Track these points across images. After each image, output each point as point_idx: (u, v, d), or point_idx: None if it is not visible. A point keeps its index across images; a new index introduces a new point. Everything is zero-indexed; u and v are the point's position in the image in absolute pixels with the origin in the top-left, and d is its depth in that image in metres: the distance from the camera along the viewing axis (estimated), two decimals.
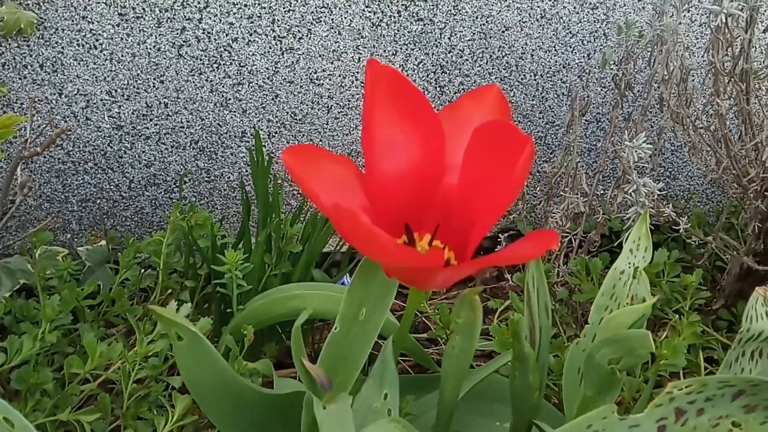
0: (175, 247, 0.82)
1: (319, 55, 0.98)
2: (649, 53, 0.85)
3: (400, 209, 0.50)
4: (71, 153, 0.95)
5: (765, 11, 0.89)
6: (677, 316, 0.79)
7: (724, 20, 0.62)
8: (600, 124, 1.11)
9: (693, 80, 0.75)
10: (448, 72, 1.03)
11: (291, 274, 0.80)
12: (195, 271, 0.81)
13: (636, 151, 0.68)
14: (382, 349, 0.52)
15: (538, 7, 1.02)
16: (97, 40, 0.91)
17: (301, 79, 0.99)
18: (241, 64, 0.96)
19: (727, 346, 0.84)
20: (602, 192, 1.14)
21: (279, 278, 0.79)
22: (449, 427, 0.56)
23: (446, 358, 0.52)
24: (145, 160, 0.97)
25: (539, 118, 1.09)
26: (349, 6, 0.96)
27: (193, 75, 0.95)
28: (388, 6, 0.97)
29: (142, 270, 0.86)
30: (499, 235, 1.08)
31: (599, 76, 0.83)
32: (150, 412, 0.64)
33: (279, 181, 0.97)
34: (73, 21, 0.90)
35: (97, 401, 0.67)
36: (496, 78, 1.05)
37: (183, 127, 0.97)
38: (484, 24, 1.02)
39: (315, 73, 0.99)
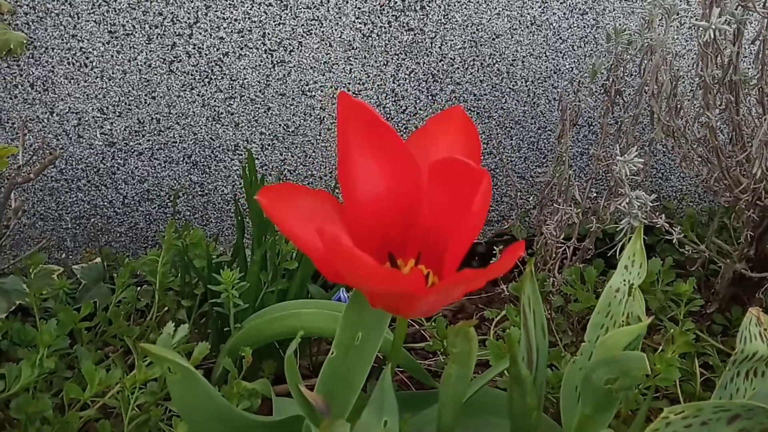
0: (170, 265, 0.82)
1: (311, 67, 0.98)
2: (639, 60, 0.85)
3: (381, 238, 0.51)
4: (64, 171, 0.95)
5: (752, 22, 0.89)
6: (671, 323, 0.80)
7: (712, 35, 0.62)
8: (592, 128, 1.12)
9: (683, 84, 0.75)
10: (439, 81, 1.03)
11: (287, 290, 0.80)
12: (191, 290, 0.81)
13: (628, 165, 0.68)
14: (380, 377, 0.52)
15: (528, 13, 1.03)
16: (87, 58, 0.91)
17: (293, 92, 0.99)
18: (233, 78, 0.96)
19: (722, 352, 0.84)
20: (595, 195, 1.14)
21: (276, 294, 0.80)
22: None
23: (443, 385, 0.52)
24: (138, 176, 0.97)
25: (531, 124, 1.10)
26: (340, 18, 0.96)
27: (185, 90, 0.95)
28: (378, 17, 0.97)
29: (138, 288, 0.86)
30: (494, 247, 1.08)
31: (589, 85, 0.83)
32: None
33: None
34: (62, 40, 0.89)
35: (97, 427, 0.67)
36: (487, 85, 1.05)
37: (175, 142, 0.97)
38: (474, 32, 1.02)
39: (307, 85, 0.99)
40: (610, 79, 0.89)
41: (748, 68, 0.72)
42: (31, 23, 0.88)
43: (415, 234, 0.52)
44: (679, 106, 0.71)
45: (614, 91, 0.88)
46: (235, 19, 0.93)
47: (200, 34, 0.93)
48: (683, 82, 1.05)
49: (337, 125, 0.50)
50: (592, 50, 1.07)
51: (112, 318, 0.79)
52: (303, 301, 0.76)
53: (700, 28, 0.63)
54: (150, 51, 0.92)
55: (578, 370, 0.60)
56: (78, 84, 0.92)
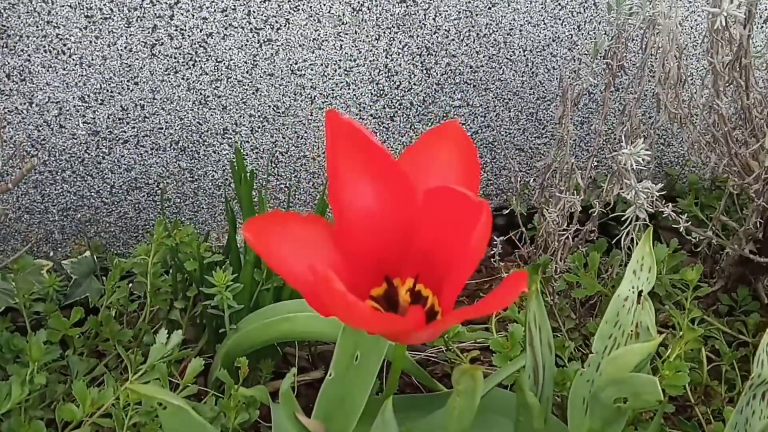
0: (161, 264, 0.79)
1: (299, 45, 0.94)
2: (641, 34, 0.81)
3: (376, 258, 0.49)
4: (47, 162, 0.91)
5: (762, 2, 0.85)
6: (677, 310, 0.78)
7: (723, 22, 0.58)
8: (592, 96, 1.08)
9: (689, 63, 0.72)
10: (434, 54, 0.99)
11: (282, 287, 0.78)
12: (184, 290, 0.79)
13: (634, 157, 0.65)
14: (381, 409, 0.50)
15: None
16: (65, 45, 0.86)
17: (282, 71, 0.95)
18: (218, 60, 0.92)
19: (728, 336, 0.83)
20: (596, 165, 1.11)
21: (271, 293, 0.77)
22: None
23: (447, 416, 0.50)
24: (124, 164, 0.94)
25: (530, 94, 1.06)
26: None
27: (169, 74, 0.91)
28: None
29: (129, 284, 0.83)
30: (493, 237, 1.05)
31: (591, 63, 0.79)
32: None
33: (263, 191, 0.94)
34: (37, 27, 0.85)
35: None
36: (484, 56, 1.01)
37: (162, 129, 0.93)
38: (469, 1, 0.97)
39: (296, 63, 0.95)
40: (611, 51, 0.85)
41: (758, 51, 0.68)
42: (3, 10, 0.83)
43: (412, 254, 0.50)
44: (686, 93, 0.68)
45: (616, 65, 0.84)
46: None
47: (182, 15, 0.88)
48: (690, 62, 1.00)
49: (325, 144, 0.48)
50: (591, 16, 1.03)
51: (103, 322, 0.76)
52: (299, 301, 0.74)
53: (710, 15, 0.59)
54: (130, 35, 0.88)
55: (586, 381, 0.58)
56: (56, 72, 0.87)
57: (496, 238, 0.86)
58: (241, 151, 0.96)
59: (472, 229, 0.41)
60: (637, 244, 0.77)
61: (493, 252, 0.82)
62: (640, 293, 0.58)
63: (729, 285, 0.87)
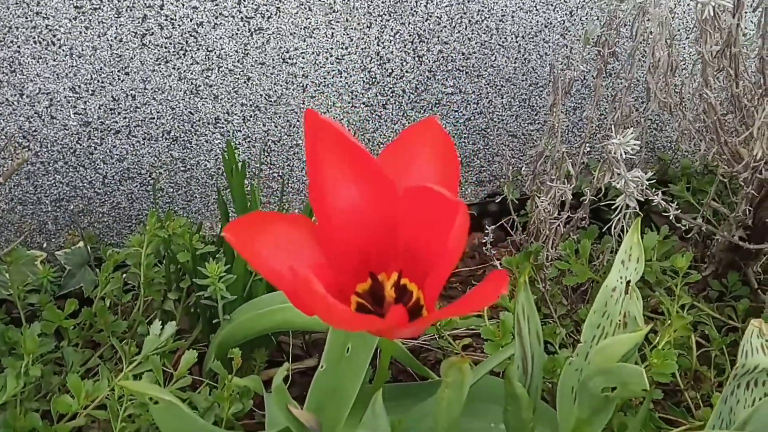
0: (154, 256, 0.80)
1: (290, 33, 0.94)
2: (631, 20, 0.81)
3: (359, 255, 0.50)
4: (39, 154, 0.91)
5: None
6: (667, 297, 0.79)
7: (712, 12, 0.58)
8: (584, 81, 1.08)
9: (680, 51, 0.72)
10: (426, 41, 0.99)
11: None
12: (178, 281, 0.79)
13: (623, 147, 0.65)
14: (371, 401, 0.51)
15: None
16: (54, 36, 0.86)
17: (273, 60, 0.94)
18: (209, 49, 0.92)
19: (718, 321, 0.84)
20: (588, 151, 1.12)
21: (264, 283, 0.78)
22: None
23: (437, 407, 0.51)
24: (116, 154, 0.94)
25: (522, 81, 1.06)
26: None
27: (159, 64, 0.91)
28: None
29: (123, 274, 0.84)
30: (486, 209, 1.06)
31: (582, 52, 0.79)
32: None
33: (255, 180, 0.94)
34: (26, 18, 0.84)
35: None
36: (476, 43, 1.01)
37: (153, 118, 0.93)
38: None
39: (287, 52, 0.94)
40: (603, 38, 0.85)
41: (748, 38, 0.68)
42: None
43: (395, 249, 0.51)
44: (677, 81, 0.68)
45: (607, 52, 0.84)
46: None
47: (172, 4, 0.88)
48: (681, 49, 1.00)
49: (305, 144, 0.48)
50: (584, 1, 1.02)
51: (97, 313, 0.77)
52: None
53: (699, 5, 0.59)
54: (120, 25, 0.87)
55: (575, 371, 0.59)
56: (47, 63, 0.87)
57: (488, 226, 0.86)
58: (234, 140, 0.96)
59: (450, 228, 0.42)
60: (627, 232, 0.77)
61: (485, 240, 0.82)
62: (628, 283, 0.59)
63: (719, 270, 0.88)
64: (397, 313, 0.44)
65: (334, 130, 0.46)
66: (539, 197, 0.81)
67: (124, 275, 0.84)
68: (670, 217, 0.72)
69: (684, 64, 0.94)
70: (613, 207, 0.74)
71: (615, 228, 0.77)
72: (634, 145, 0.65)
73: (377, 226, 0.49)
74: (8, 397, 0.64)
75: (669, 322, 0.67)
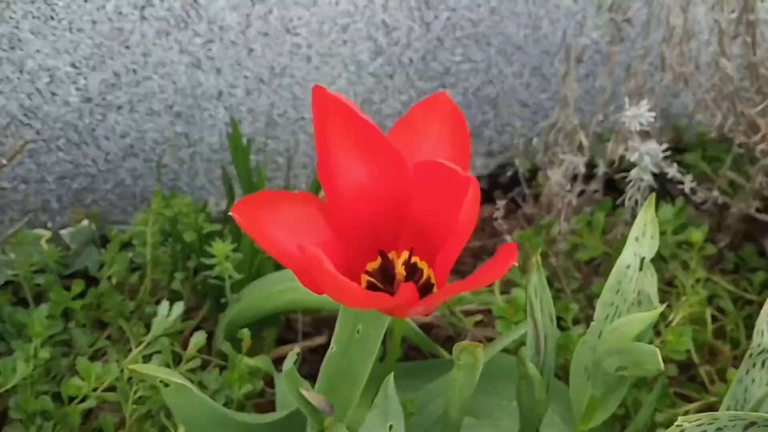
0: (160, 234, 0.79)
1: (294, 2, 0.91)
2: None
3: (370, 233, 0.49)
4: (41, 131, 0.90)
5: None
6: (682, 272, 0.77)
7: None
8: (597, 47, 1.05)
9: (693, 13, 0.69)
10: (433, 8, 0.96)
11: None
12: (184, 262, 0.78)
13: (638, 119, 0.63)
14: (383, 384, 0.50)
15: None
16: (53, 10, 0.84)
17: (276, 30, 0.92)
18: (210, 21, 0.89)
19: (733, 294, 0.82)
20: (602, 120, 1.09)
21: (272, 261, 0.77)
22: None
23: (450, 387, 0.51)
24: (119, 131, 0.92)
25: (533, 48, 1.03)
26: None
27: (160, 37, 0.89)
28: None
29: (129, 253, 0.83)
30: (498, 180, 1.05)
31: (595, 19, 0.77)
32: (153, 430, 0.63)
33: (262, 157, 0.93)
34: None
35: (98, 417, 0.66)
36: (485, 9, 0.98)
37: (155, 93, 0.92)
38: None
39: (290, 22, 0.92)
40: (616, 4, 0.82)
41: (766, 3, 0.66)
42: None
43: (406, 227, 0.51)
44: (692, 50, 0.65)
45: (621, 19, 0.81)
46: None
47: None
48: (697, 14, 0.97)
49: (313, 121, 0.47)
50: None
51: (105, 294, 0.76)
52: None
53: None
54: None
55: (588, 350, 0.58)
56: (46, 39, 0.85)
57: (499, 198, 0.85)
58: (237, 114, 0.94)
59: (461, 203, 0.41)
60: (642, 206, 0.76)
61: (496, 215, 0.81)
62: (642, 260, 0.58)
63: (735, 242, 0.86)
64: (407, 291, 0.43)
65: (343, 105, 0.46)
66: (551, 170, 0.79)
67: (130, 254, 0.83)
68: (686, 191, 0.71)
69: (700, 32, 0.92)
70: (627, 180, 0.73)
71: (629, 201, 0.75)
72: (649, 117, 0.63)
73: (387, 203, 0.49)
74: (19, 381, 0.64)
75: (684, 298, 0.65)
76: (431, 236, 0.49)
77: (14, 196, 0.93)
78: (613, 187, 1.00)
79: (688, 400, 0.73)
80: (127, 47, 0.88)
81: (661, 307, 0.51)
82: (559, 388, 0.68)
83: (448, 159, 0.46)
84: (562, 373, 0.73)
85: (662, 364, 0.48)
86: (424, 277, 0.51)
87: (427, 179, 0.46)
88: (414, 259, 0.51)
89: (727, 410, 0.50)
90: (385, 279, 0.51)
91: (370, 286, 0.51)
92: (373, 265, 0.51)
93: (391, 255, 0.51)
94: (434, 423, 0.64)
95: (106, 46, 0.88)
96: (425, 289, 0.51)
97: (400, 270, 0.50)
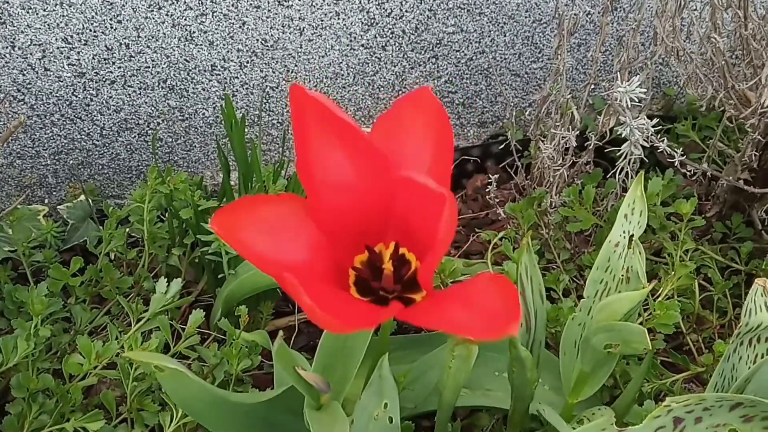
0: (156, 210, 0.80)
1: None
2: None
3: (355, 229, 0.49)
4: (35, 107, 0.90)
5: None
6: (671, 243, 0.79)
7: None
8: (590, 17, 1.05)
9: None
10: None
11: None
12: (181, 238, 0.79)
13: (629, 95, 0.64)
14: (377, 364, 0.52)
15: None
16: None
17: (269, 3, 0.92)
18: None
19: (721, 263, 0.84)
20: (593, 90, 1.10)
21: None
22: (449, 421, 0.57)
23: (444, 372, 0.52)
24: (113, 105, 0.92)
25: (525, 17, 1.03)
26: None
27: (152, 11, 0.88)
28: None
29: (127, 228, 0.84)
30: (490, 150, 1.05)
31: None
32: (153, 405, 0.64)
33: (256, 130, 0.93)
34: None
35: (99, 393, 0.68)
36: None
37: (148, 67, 0.92)
38: None
39: None
40: None
41: None
42: None
43: (391, 221, 0.50)
44: (684, 24, 0.66)
45: None
46: None
47: None
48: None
49: (291, 121, 0.46)
50: None
51: (103, 270, 0.77)
52: None
53: None
54: None
55: (578, 326, 0.60)
56: (37, 14, 0.85)
57: (491, 169, 0.85)
58: (231, 87, 0.94)
59: (439, 217, 0.41)
60: (632, 178, 0.77)
61: (488, 189, 0.82)
62: (631, 238, 0.59)
63: (723, 212, 0.88)
64: (392, 310, 0.44)
65: (321, 106, 0.45)
66: (543, 143, 0.80)
67: (128, 229, 0.84)
68: (675, 164, 0.72)
69: (693, 5, 0.92)
70: (618, 153, 0.74)
71: (620, 174, 0.76)
72: (640, 93, 0.64)
73: (371, 201, 0.48)
74: (20, 358, 0.65)
75: (672, 272, 0.67)
76: (416, 228, 0.48)
77: (10, 172, 0.93)
78: (604, 156, 1.01)
79: (677, 369, 0.75)
80: (119, 21, 0.88)
81: (650, 286, 0.52)
82: (549, 359, 0.70)
83: (431, 157, 0.46)
84: (553, 344, 0.75)
85: (650, 344, 0.50)
86: (413, 269, 0.50)
87: (406, 190, 0.46)
88: (402, 250, 0.50)
89: (714, 387, 0.52)
90: (373, 273, 0.51)
91: (358, 282, 0.50)
92: (361, 258, 0.50)
93: (379, 247, 0.51)
94: (429, 395, 0.66)
95: (97, 20, 0.87)
96: (413, 283, 0.50)
97: (387, 265, 0.50)
